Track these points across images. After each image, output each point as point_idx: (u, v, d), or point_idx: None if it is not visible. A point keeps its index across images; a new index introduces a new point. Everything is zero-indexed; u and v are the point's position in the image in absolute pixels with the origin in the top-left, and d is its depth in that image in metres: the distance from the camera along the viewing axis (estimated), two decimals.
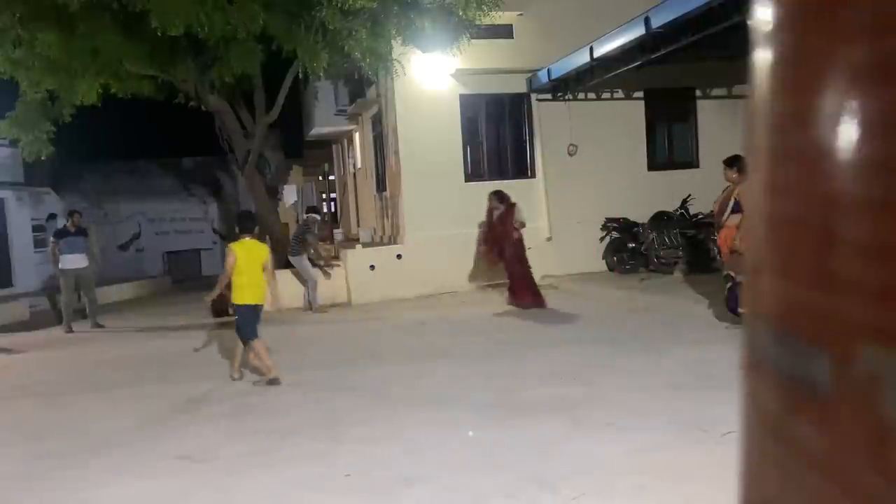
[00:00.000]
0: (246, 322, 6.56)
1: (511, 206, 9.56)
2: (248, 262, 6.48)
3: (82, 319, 11.08)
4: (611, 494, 3.65)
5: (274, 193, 17.15)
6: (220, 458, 4.63)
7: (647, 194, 12.30)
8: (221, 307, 11.81)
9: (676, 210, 12.13)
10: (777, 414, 0.39)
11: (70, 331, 10.70)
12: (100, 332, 10.74)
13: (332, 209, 23.37)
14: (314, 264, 11.54)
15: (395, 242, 12.45)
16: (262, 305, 6.66)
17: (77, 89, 11.15)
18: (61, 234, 11.08)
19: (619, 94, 12.80)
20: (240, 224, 6.80)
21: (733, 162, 7.26)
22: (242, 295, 6.49)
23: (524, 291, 9.48)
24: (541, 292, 9.65)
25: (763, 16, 0.40)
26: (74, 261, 10.83)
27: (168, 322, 11.50)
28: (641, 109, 13.03)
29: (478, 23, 10.59)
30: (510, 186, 12.45)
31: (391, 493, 3.87)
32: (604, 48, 10.09)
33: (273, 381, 6.38)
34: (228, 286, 6.60)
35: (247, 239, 6.61)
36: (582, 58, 10.67)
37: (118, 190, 21.81)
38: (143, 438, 5.20)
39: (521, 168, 12.78)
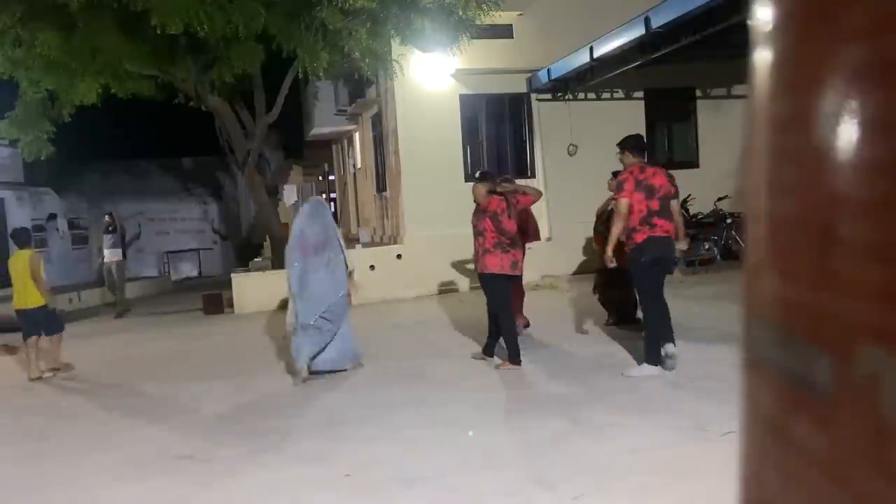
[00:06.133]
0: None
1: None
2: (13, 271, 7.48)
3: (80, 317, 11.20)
4: (611, 494, 3.65)
5: (274, 193, 17.16)
6: (220, 458, 4.63)
7: None
8: (216, 305, 11.87)
9: None
10: (777, 414, 0.39)
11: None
12: (99, 332, 10.78)
13: (332, 209, 23.39)
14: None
15: (395, 242, 12.44)
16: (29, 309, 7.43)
17: (77, 89, 11.15)
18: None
19: (619, 94, 12.80)
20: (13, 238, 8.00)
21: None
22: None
23: None
24: None
25: (763, 16, 0.40)
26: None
27: (166, 321, 11.50)
28: (641, 109, 13.01)
29: (478, 23, 10.59)
30: None
31: (391, 493, 3.87)
32: (604, 48, 10.09)
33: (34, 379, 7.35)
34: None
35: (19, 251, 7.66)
36: (582, 58, 10.66)
37: (118, 190, 21.82)
38: (143, 439, 5.20)
39: (521, 168, 12.77)
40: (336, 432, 4.95)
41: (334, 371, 6.54)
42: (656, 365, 5.68)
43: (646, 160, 6.04)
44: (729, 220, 11.64)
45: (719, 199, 11.91)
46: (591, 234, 12.18)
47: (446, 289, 11.67)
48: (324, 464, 4.35)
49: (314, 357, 6.47)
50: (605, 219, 7.16)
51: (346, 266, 6.69)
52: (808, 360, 0.36)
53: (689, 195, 12.14)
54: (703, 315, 8.15)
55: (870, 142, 0.33)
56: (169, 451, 4.84)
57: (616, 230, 5.76)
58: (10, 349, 9.57)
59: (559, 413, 4.98)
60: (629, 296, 7.12)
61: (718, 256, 11.69)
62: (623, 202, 5.71)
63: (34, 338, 7.46)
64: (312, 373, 6.46)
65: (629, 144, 6.06)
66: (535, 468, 4.02)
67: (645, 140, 6.17)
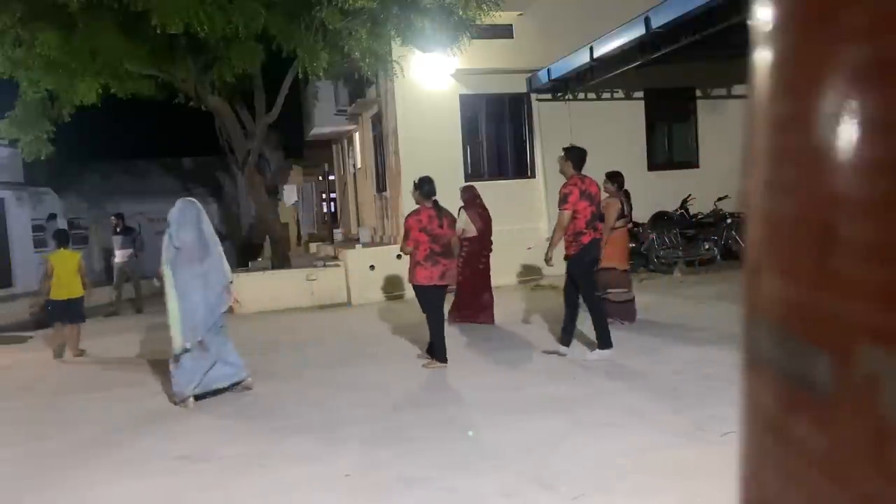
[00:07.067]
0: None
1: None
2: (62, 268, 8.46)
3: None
4: (611, 494, 3.65)
5: (274, 193, 17.14)
6: (220, 458, 4.63)
7: (647, 194, 12.30)
8: None
9: (676, 210, 12.13)
10: (777, 414, 0.39)
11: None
12: (100, 332, 10.78)
13: (332, 209, 23.38)
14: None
15: (395, 242, 12.44)
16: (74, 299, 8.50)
17: (77, 89, 11.15)
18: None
19: (619, 94, 12.80)
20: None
21: (612, 177, 7.85)
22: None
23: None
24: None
25: (763, 16, 0.40)
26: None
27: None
28: (641, 109, 13.02)
29: (478, 23, 10.59)
30: (510, 186, 12.50)
31: (391, 493, 3.87)
32: (604, 48, 10.10)
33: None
34: None
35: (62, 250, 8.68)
36: (582, 58, 10.67)
37: (118, 190, 21.81)
38: (143, 438, 5.20)
39: (521, 168, 12.78)
40: (336, 432, 4.95)
41: (234, 384, 6.09)
42: (610, 347, 6.40)
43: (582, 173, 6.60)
44: (729, 220, 11.65)
45: (719, 199, 11.92)
46: None
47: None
48: (324, 464, 4.35)
49: (202, 379, 5.92)
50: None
51: (226, 276, 6.18)
52: (808, 360, 0.36)
53: (689, 195, 12.15)
54: (703, 315, 8.16)
55: (870, 142, 0.33)
56: (168, 450, 4.84)
57: (558, 238, 6.42)
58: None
59: (559, 413, 4.98)
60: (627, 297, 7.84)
61: (718, 256, 11.69)
62: (566, 214, 6.34)
63: (61, 325, 8.59)
64: (199, 396, 5.95)
65: (575, 157, 6.59)
66: (535, 468, 4.02)
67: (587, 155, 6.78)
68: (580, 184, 6.38)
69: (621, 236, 7.89)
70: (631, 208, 8.20)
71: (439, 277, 6.62)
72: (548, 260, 6.51)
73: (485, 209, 8.76)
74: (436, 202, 6.86)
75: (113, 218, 13.34)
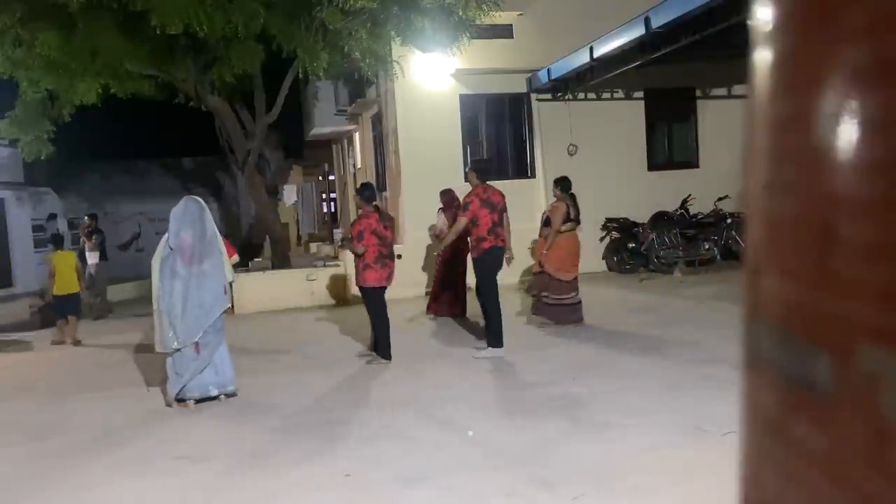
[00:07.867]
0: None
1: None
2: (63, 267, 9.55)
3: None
4: (611, 494, 3.65)
5: (274, 193, 17.12)
6: (220, 458, 4.64)
7: (647, 194, 12.31)
8: None
9: (676, 210, 12.13)
10: (777, 414, 0.39)
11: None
12: (100, 332, 10.77)
13: (332, 209, 23.37)
14: None
15: (395, 242, 12.43)
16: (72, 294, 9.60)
17: (77, 89, 11.15)
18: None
19: (619, 94, 12.80)
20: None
21: (557, 182, 8.21)
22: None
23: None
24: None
25: (763, 16, 0.40)
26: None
27: None
28: (641, 109, 13.02)
29: (478, 23, 10.59)
30: (510, 186, 12.48)
31: (391, 493, 3.87)
32: (604, 48, 10.09)
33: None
34: None
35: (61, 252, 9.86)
36: (582, 58, 10.66)
37: (118, 190, 21.79)
38: (143, 438, 5.20)
39: (521, 168, 12.78)
40: (336, 432, 4.95)
41: (209, 398, 5.89)
42: (501, 346, 6.82)
43: (486, 181, 7.10)
44: (729, 220, 11.65)
45: (719, 199, 11.92)
46: (589, 234, 12.23)
47: None
48: (324, 464, 4.35)
49: (191, 381, 5.81)
50: (543, 224, 8.38)
51: (226, 276, 6.06)
52: (808, 360, 0.36)
53: (689, 195, 12.15)
54: (702, 315, 8.16)
55: (870, 142, 0.33)
56: (168, 451, 4.84)
57: (450, 239, 7.24)
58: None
59: (559, 413, 4.98)
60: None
61: (718, 256, 11.69)
62: (463, 221, 6.88)
63: (64, 319, 9.65)
64: (181, 400, 5.84)
65: (480, 168, 7.31)
66: (535, 468, 4.02)
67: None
68: (482, 194, 6.89)
69: (571, 241, 8.02)
70: (578, 212, 8.24)
71: (387, 279, 6.91)
72: (437, 255, 7.05)
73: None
74: (377, 206, 7.18)
75: (86, 218, 12.93)
